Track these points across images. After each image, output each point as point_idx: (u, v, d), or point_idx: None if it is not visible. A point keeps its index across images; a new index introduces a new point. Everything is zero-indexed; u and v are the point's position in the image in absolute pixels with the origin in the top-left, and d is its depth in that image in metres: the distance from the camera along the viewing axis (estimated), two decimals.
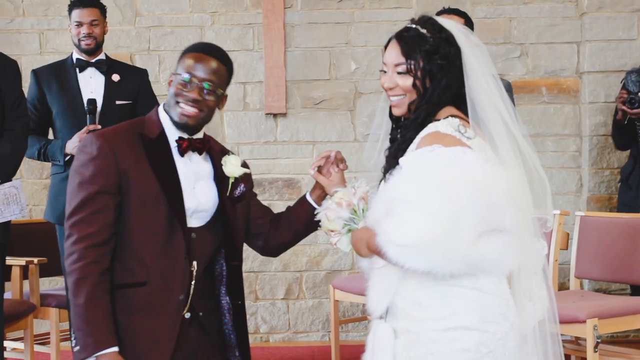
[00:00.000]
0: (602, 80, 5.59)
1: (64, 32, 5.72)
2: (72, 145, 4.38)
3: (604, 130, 5.58)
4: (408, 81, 2.45)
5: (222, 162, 2.76)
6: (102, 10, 4.62)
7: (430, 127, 2.43)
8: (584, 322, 4.04)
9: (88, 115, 4.42)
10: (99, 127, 4.36)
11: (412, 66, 2.44)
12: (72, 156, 4.37)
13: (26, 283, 4.66)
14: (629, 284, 5.01)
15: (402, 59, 2.46)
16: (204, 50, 2.71)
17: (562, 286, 5.24)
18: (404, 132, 2.51)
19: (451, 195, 2.30)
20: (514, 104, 4.17)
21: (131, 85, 4.61)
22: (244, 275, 2.99)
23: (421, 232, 2.28)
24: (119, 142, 2.63)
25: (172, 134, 2.70)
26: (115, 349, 2.52)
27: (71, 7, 4.59)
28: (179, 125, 2.69)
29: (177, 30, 5.77)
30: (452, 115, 2.45)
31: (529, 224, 2.50)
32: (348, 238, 2.61)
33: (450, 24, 2.52)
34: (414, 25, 2.49)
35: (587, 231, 4.70)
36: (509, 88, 4.24)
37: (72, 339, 2.56)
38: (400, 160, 2.43)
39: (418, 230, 2.28)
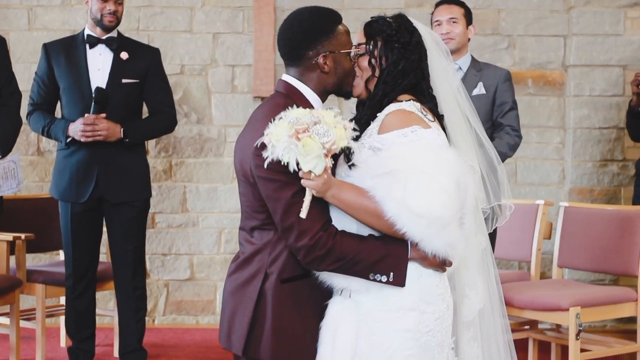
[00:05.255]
0: (587, 74, 5.66)
1: (52, 8, 5.70)
2: (74, 128, 4.35)
3: (588, 123, 5.66)
4: (364, 61, 2.58)
5: None
6: None
7: (394, 106, 2.52)
8: (567, 310, 4.12)
9: (93, 104, 4.36)
10: (103, 116, 4.35)
11: (371, 47, 2.57)
12: (73, 138, 4.38)
13: (12, 258, 4.65)
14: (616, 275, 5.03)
15: (363, 41, 2.59)
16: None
17: (543, 275, 5.32)
18: (362, 110, 2.59)
19: (456, 177, 2.39)
20: (513, 92, 4.25)
21: (140, 64, 4.56)
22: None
23: (437, 207, 2.34)
24: None
25: (318, 107, 2.61)
26: (406, 244, 2.44)
27: None
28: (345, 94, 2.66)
29: (166, 11, 5.76)
30: (413, 100, 2.54)
31: (478, 216, 2.60)
32: (322, 161, 2.33)
33: (419, 24, 2.64)
34: (385, 16, 2.63)
35: (570, 222, 4.76)
36: (508, 77, 4.26)
37: (378, 279, 2.44)
38: (379, 138, 2.47)
39: (433, 205, 2.34)
